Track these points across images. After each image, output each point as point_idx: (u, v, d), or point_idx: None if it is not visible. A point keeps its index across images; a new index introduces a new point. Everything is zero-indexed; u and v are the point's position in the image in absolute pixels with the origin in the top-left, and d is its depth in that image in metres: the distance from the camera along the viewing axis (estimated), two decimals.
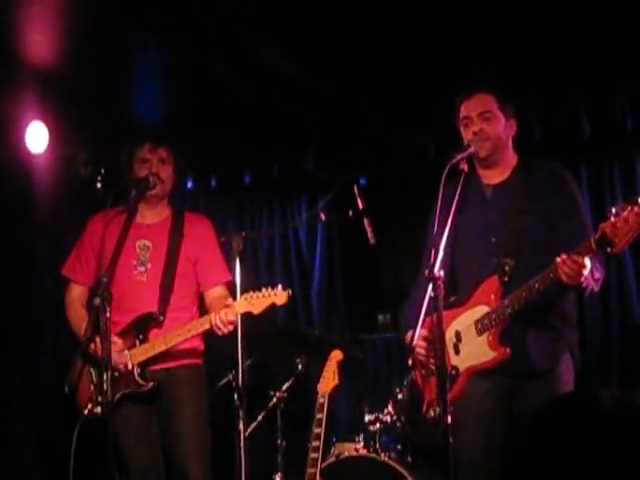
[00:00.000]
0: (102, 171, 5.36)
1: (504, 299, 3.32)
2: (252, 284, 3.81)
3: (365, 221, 3.89)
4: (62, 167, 5.64)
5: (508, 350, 3.32)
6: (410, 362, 3.63)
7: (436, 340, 3.04)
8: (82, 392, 3.91)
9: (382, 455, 4.36)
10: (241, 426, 3.51)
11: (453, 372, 3.39)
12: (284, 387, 4.66)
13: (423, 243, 3.64)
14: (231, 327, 3.72)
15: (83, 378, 3.90)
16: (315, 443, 4.19)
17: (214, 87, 5.19)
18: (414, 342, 3.25)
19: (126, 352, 3.87)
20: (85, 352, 3.75)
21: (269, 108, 5.45)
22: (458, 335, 3.45)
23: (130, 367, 3.86)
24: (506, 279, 3.35)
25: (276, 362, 5.25)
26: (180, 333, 3.85)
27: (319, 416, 4.23)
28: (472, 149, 3.44)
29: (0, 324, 5.38)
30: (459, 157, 3.38)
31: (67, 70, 4.70)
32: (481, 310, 3.39)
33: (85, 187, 5.69)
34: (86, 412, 3.79)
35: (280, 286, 3.73)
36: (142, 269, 4.03)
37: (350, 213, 3.92)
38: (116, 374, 3.77)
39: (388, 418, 4.50)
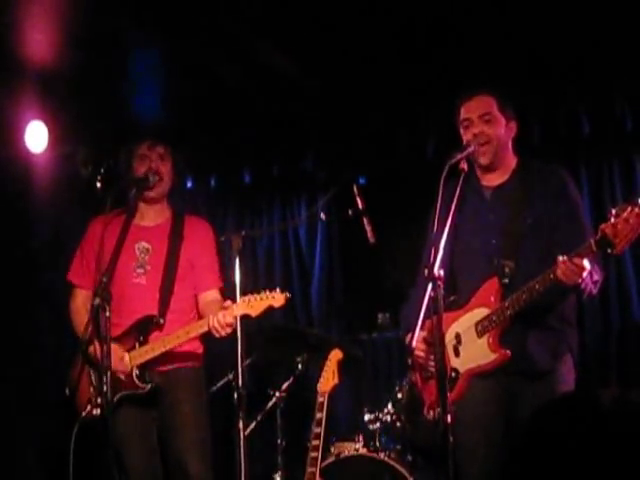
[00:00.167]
0: (102, 170, 5.36)
1: (504, 301, 3.32)
2: (251, 283, 3.81)
3: (364, 220, 3.89)
4: (61, 166, 5.64)
5: (508, 352, 3.31)
6: (409, 364, 3.63)
7: (436, 342, 3.03)
8: (82, 394, 3.91)
9: (382, 454, 4.36)
10: (241, 425, 3.51)
11: (453, 374, 3.39)
12: (284, 386, 4.66)
13: (423, 243, 3.64)
14: (229, 329, 3.72)
15: (83, 380, 3.90)
16: (315, 442, 4.19)
17: (214, 87, 5.19)
18: (413, 344, 3.24)
19: (126, 356, 3.87)
20: (85, 354, 3.75)
21: (269, 108, 5.45)
22: (458, 337, 3.44)
23: (129, 369, 3.86)
24: (506, 281, 3.35)
25: (276, 361, 5.25)
26: (179, 335, 3.85)
27: (319, 415, 4.23)
28: (471, 149, 3.44)
29: (0, 324, 5.38)
30: (459, 157, 3.37)
31: (66, 69, 4.70)
32: (481, 312, 3.38)
33: (85, 186, 5.69)
34: (84, 414, 3.79)
35: (278, 289, 3.73)
36: (141, 271, 4.03)
37: (350, 212, 3.92)
38: (115, 376, 3.77)
39: (388, 417, 4.50)
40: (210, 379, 4.36)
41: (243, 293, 3.67)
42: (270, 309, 3.71)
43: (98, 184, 5.23)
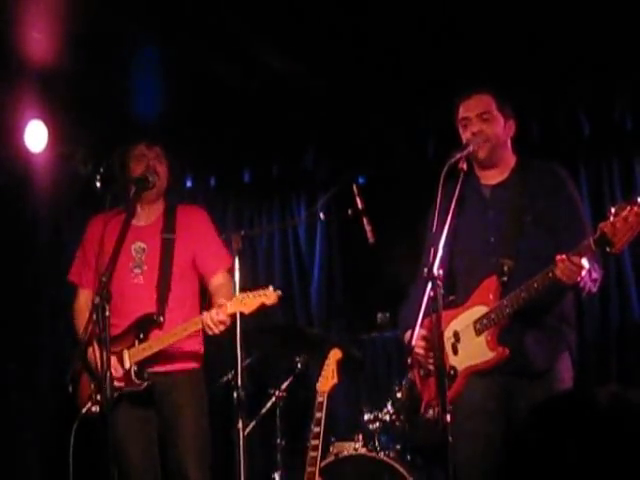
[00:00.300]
0: (101, 170, 5.36)
1: (503, 299, 3.32)
2: (251, 283, 3.81)
3: (364, 220, 3.89)
4: (61, 166, 5.64)
5: (507, 350, 3.31)
6: (409, 362, 3.63)
7: (435, 342, 3.03)
8: (82, 391, 3.92)
9: (381, 454, 4.36)
10: (240, 425, 3.51)
11: (451, 372, 3.39)
12: (283, 386, 4.66)
13: (422, 242, 3.64)
14: (222, 327, 3.72)
15: (83, 377, 3.91)
16: (314, 442, 4.19)
17: (214, 86, 5.19)
18: (413, 342, 3.24)
19: (125, 352, 3.88)
20: (83, 356, 3.76)
21: (268, 107, 5.45)
22: (457, 335, 3.44)
23: (127, 366, 3.86)
24: (505, 279, 3.35)
25: (275, 361, 5.25)
26: (176, 332, 3.85)
27: (318, 415, 4.24)
28: (471, 148, 3.44)
29: (0, 324, 5.38)
30: (458, 156, 3.38)
31: (66, 69, 4.71)
32: (480, 310, 3.38)
33: (84, 186, 5.69)
34: (84, 411, 3.79)
35: (271, 287, 3.73)
36: (138, 271, 4.04)
37: (349, 212, 3.93)
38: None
39: (387, 417, 4.50)
40: (210, 379, 4.36)
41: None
42: (263, 307, 3.71)
43: (97, 183, 5.24)
